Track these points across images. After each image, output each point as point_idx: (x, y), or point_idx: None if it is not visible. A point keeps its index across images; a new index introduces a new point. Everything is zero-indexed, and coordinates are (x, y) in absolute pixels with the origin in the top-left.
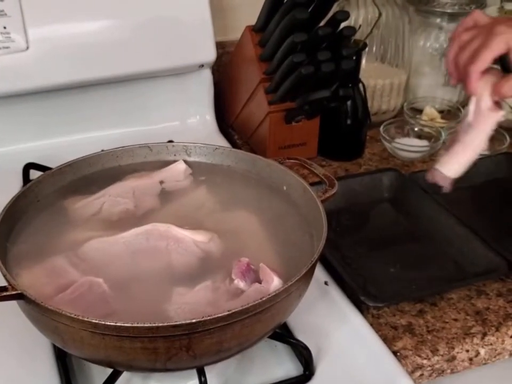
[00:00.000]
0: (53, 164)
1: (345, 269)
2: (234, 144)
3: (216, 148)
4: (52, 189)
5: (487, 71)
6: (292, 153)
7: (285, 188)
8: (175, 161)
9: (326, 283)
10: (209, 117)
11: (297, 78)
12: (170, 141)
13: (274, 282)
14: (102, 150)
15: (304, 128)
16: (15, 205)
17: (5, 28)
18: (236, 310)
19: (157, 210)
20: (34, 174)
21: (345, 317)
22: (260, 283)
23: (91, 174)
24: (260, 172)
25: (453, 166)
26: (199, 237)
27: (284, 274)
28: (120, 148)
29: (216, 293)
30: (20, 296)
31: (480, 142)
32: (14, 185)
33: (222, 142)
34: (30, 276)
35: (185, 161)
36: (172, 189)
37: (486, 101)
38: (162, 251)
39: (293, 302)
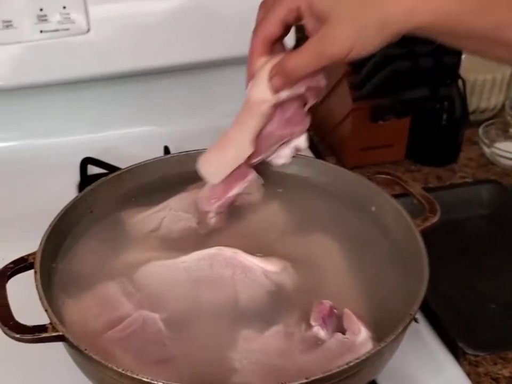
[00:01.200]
0: (110, 159)
1: (438, 304)
2: (309, 142)
3: (293, 156)
4: (107, 198)
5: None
6: (375, 156)
7: (373, 208)
8: None
9: (415, 320)
10: None
11: (389, 73)
12: None
13: (362, 335)
14: (165, 147)
15: (392, 127)
16: (65, 218)
17: (64, 7)
18: (316, 377)
19: (222, 228)
20: (91, 170)
21: (438, 364)
22: (343, 332)
23: (152, 182)
24: (344, 187)
25: (210, 167)
26: (269, 266)
27: (371, 322)
28: (184, 153)
29: (289, 340)
30: (61, 338)
31: (244, 140)
32: (70, 182)
33: None
34: (79, 305)
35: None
36: (240, 203)
37: (261, 85)
38: (227, 281)
39: (384, 363)
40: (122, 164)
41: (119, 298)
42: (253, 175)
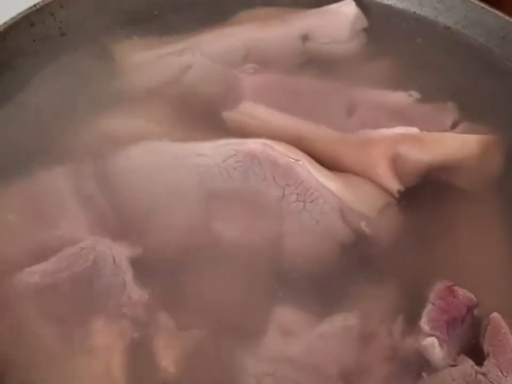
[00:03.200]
0: None
1: None
2: None
3: None
4: (91, 15)
5: None
6: None
7: None
8: None
9: None
10: None
11: None
12: None
13: None
14: None
15: None
16: (8, 38)
17: None
18: None
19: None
20: None
21: None
22: (478, 360)
23: None
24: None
25: None
26: (357, 198)
27: None
28: None
29: (365, 351)
30: None
31: None
32: None
33: None
34: None
35: (361, 1)
36: (323, 55)
37: None
38: (269, 208)
39: None
40: None
41: (65, 201)
42: (349, 7)
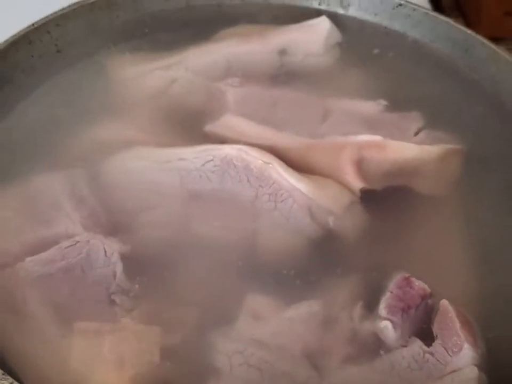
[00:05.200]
0: None
1: None
2: None
3: (400, 5)
4: (85, 33)
5: None
6: None
7: None
8: (318, 13)
9: None
10: None
11: None
12: None
13: (462, 356)
14: None
15: None
16: (8, 55)
17: None
18: None
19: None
20: None
21: None
22: (428, 342)
23: (165, 13)
24: (474, 66)
25: None
26: (324, 197)
27: (484, 331)
28: None
29: (327, 334)
30: None
31: None
32: None
33: None
34: None
35: (337, 17)
36: (300, 68)
37: None
38: (244, 208)
39: None
40: None
41: (60, 202)
42: (323, 24)
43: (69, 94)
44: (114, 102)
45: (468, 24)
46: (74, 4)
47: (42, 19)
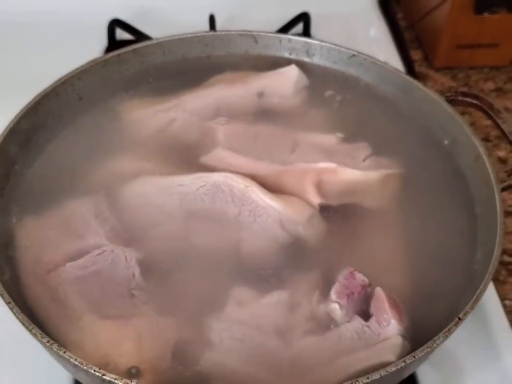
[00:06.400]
0: (143, 23)
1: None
2: (395, 26)
3: (353, 55)
4: (102, 83)
5: None
6: (474, 57)
7: (446, 142)
8: (288, 61)
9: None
10: None
11: None
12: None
13: (390, 329)
14: (210, 17)
15: (501, 23)
16: (40, 107)
17: None
18: None
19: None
20: (121, 35)
21: (492, 349)
22: (366, 319)
23: (164, 65)
24: (414, 106)
25: None
26: (290, 211)
27: (409, 310)
28: (212, 34)
29: (292, 315)
30: None
31: None
32: (96, 46)
33: (378, 21)
34: (37, 226)
35: (304, 65)
36: (273, 108)
37: None
38: (230, 222)
39: (420, 363)
40: (155, 31)
41: (88, 221)
42: (292, 71)
43: (89, 134)
44: (126, 139)
45: (426, 55)
46: (91, 61)
47: (66, 75)
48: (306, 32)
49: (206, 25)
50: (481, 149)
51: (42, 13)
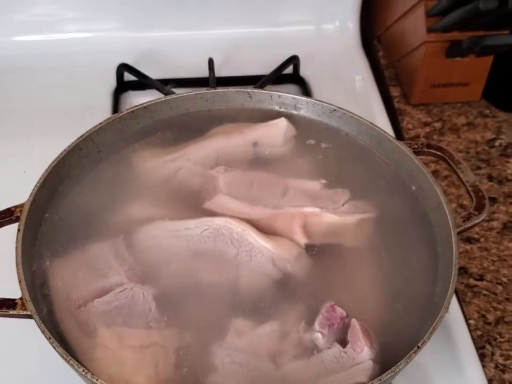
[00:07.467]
0: (148, 66)
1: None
2: (377, 64)
3: (334, 110)
4: (118, 137)
5: None
6: (447, 94)
7: (413, 188)
8: (279, 114)
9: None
10: (352, 24)
11: (472, 11)
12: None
13: (363, 355)
14: (210, 60)
15: (470, 65)
16: (66, 161)
17: None
18: None
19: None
20: (128, 77)
21: (457, 364)
22: (343, 346)
23: (171, 119)
24: (386, 154)
25: None
26: (280, 251)
27: (380, 338)
28: (212, 91)
29: (283, 342)
30: (28, 316)
31: None
32: (107, 86)
33: (361, 60)
34: (65, 266)
35: (292, 117)
36: (266, 156)
37: None
38: (229, 261)
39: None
40: (160, 72)
41: (110, 262)
42: (282, 123)
43: (107, 182)
44: (139, 186)
45: (404, 93)
46: (108, 119)
47: (87, 132)
48: (296, 73)
49: (205, 67)
50: (441, 196)
51: (60, 56)
